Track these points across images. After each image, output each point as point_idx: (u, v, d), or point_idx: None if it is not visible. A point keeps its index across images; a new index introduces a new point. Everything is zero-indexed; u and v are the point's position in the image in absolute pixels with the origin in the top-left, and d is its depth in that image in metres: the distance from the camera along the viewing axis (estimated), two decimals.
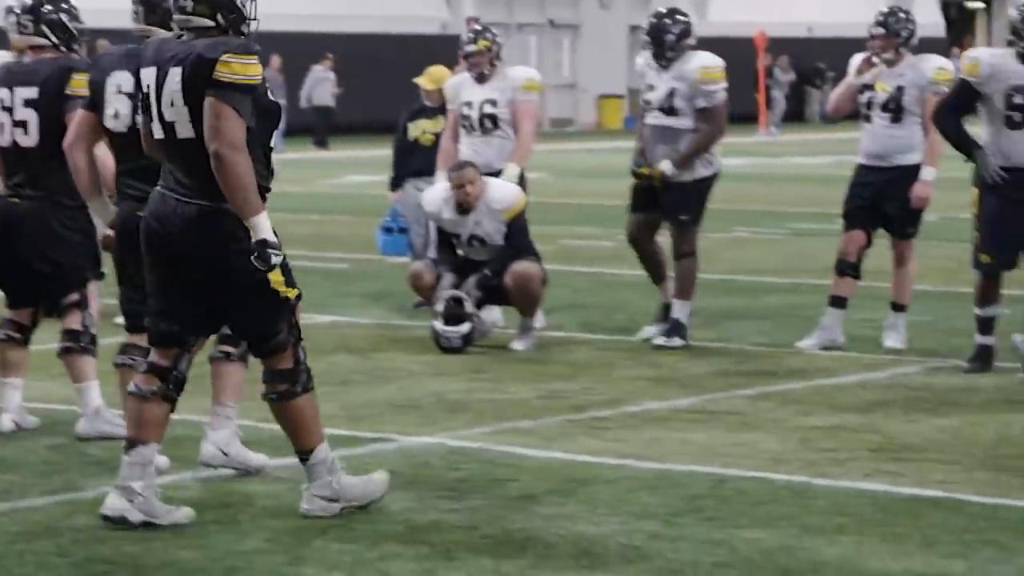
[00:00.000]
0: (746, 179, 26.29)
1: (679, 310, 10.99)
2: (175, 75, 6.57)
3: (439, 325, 10.76)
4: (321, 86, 35.66)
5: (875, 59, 10.80)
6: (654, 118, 11.01)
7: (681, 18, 11.08)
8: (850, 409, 8.98)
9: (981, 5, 52.63)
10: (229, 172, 6.44)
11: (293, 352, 6.76)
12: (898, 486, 7.31)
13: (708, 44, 40.27)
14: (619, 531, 6.59)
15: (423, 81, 12.98)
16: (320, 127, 36.14)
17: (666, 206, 11.00)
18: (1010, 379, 9.81)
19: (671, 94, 10.93)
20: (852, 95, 10.90)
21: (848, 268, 10.86)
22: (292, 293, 6.71)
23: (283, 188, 7.88)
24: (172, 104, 6.60)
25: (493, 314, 11.34)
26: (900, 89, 10.69)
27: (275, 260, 6.52)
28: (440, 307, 10.80)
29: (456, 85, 11.70)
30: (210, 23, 6.61)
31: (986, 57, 10.10)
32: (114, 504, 6.62)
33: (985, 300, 10.18)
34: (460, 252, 11.05)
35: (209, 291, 6.67)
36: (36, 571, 6.10)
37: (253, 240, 6.50)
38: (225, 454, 7.48)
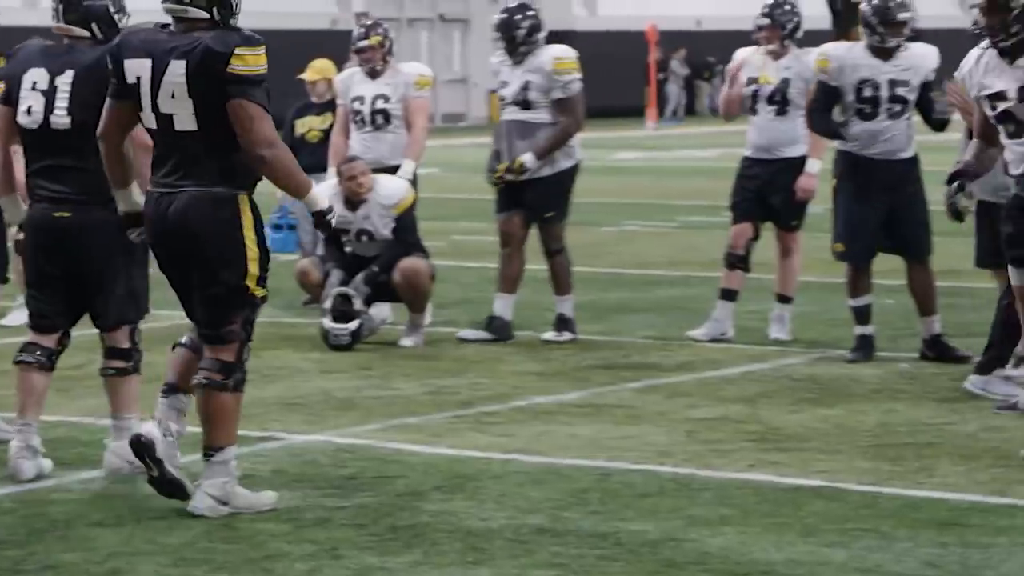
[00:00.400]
0: (636, 173, 26.44)
1: (563, 305, 11.01)
2: (177, 67, 6.60)
3: (327, 322, 10.73)
4: None
5: (760, 50, 10.89)
6: (510, 113, 11.01)
7: (530, 12, 11.08)
8: (735, 401, 9.05)
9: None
10: (278, 168, 6.65)
11: (239, 348, 6.78)
12: (781, 476, 7.38)
13: (599, 38, 40.51)
14: (506, 526, 6.60)
15: (307, 74, 12.96)
16: None
17: (529, 204, 10.97)
18: (891, 369, 9.93)
19: (525, 87, 10.93)
20: (741, 94, 10.98)
21: (737, 260, 10.94)
22: (260, 292, 6.78)
23: None
24: (173, 96, 6.62)
25: (383, 311, 11.33)
26: (786, 81, 10.79)
27: (334, 224, 6.84)
28: (328, 304, 10.77)
29: (346, 80, 11.68)
30: (204, 15, 6.65)
31: (833, 52, 10.32)
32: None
33: (856, 291, 10.32)
34: (348, 249, 11.03)
35: (189, 270, 6.74)
36: None
37: (312, 212, 6.78)
38: (130, 462, 7.42)
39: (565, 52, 11.04)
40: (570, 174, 11.03)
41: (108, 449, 7.51)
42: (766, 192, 10.83)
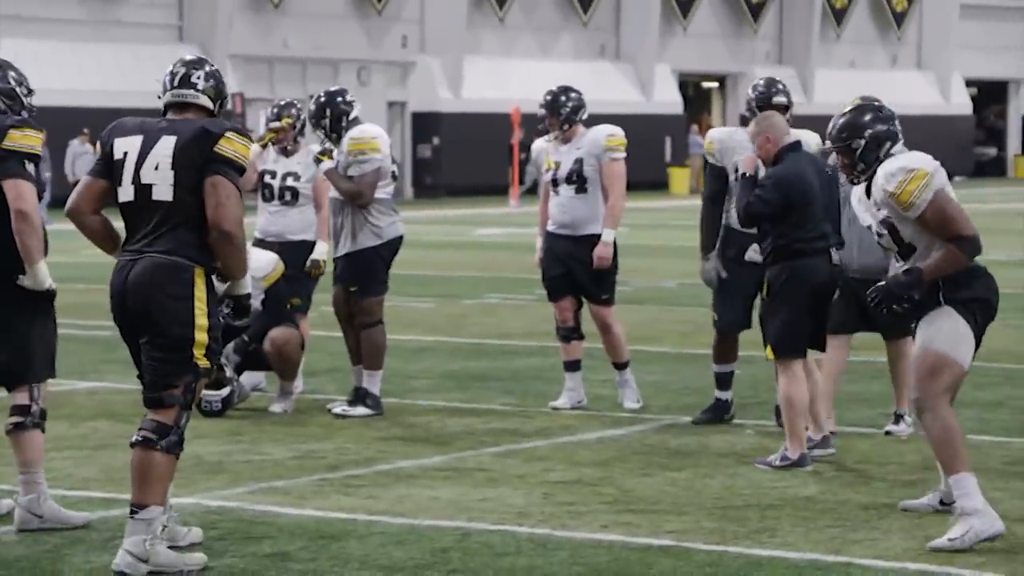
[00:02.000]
0: (498, 248, 26.54)
1: (367, 380, 10.80)
2: (167, 142, 6.86)
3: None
4: (81, 160, 35.13)
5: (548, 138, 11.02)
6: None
7: (344, 99, 10.98)
8: (590, 464, 9.12)
9: (716, 85, 53.88)
10: (236, 247, 6.80)
11: (177, 413, 6.81)
12: (632, 536, 7.44)
13: (463, 119, 40.54)
14: None
15: None
16: None
17: (338, 278, 10.95)
18: (738, 435, 10.05)
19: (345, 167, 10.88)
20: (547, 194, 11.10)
21: (570, 333, 11.04)
22: (203, 363, 6.83)
23: (51, 259, 7.79)
24: (156, 168, 6.84)
25: (255, 378, 11.29)
26: (579, 161, 10.92)
27: (248, 317, 7.07)
28: None
29: (259, 153, 11.65)
30: (209, 105, 7.03)
31: (716, 135, 10.46)
32: None
33: (720, 358, 10.46)
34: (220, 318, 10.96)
35: (140, 333, 6.84)
36: None
37: (235, 294, 6.95)
38: (38, 516, 7.40)
39: (361, 133, 10.86)
40: (377, 251, 10.84)
41: (18, 504, 7.48)
42: (574, 270, 10.92)
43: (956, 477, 7.23)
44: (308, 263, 11.39)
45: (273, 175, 11.54)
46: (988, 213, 37.47)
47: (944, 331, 7.27)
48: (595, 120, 11.27)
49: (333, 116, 10.92)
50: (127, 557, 6.68)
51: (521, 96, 44.18)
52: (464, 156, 45.09)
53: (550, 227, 11.02)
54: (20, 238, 7.44)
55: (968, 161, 57.17)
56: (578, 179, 10.87)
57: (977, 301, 7.33)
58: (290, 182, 11.50)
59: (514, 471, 8.96)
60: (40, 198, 7.53)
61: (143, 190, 6.85)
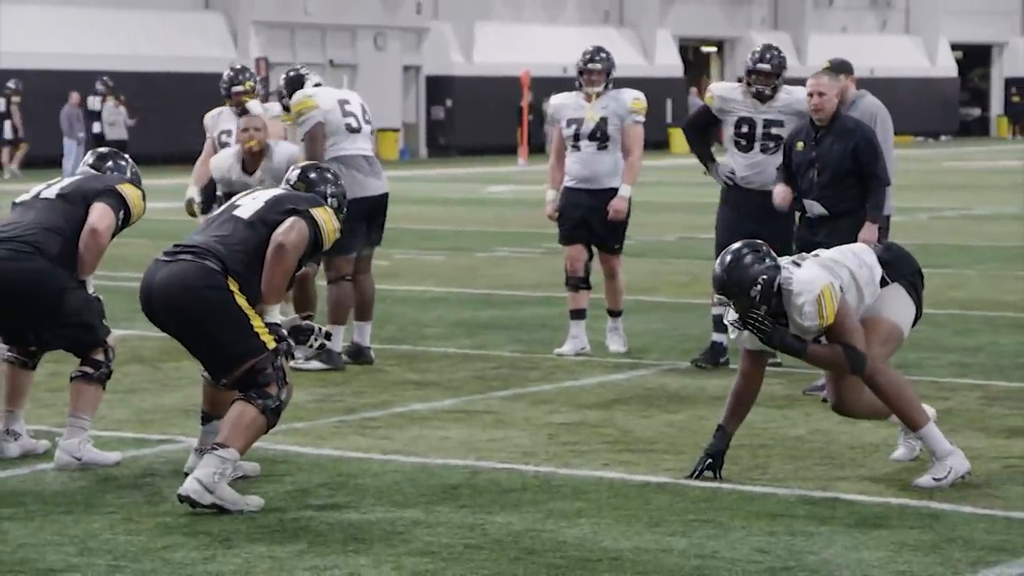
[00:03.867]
0: (506, 204, 26.51)
1: (336, 331, 10.52)
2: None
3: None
4: (115, 121, 35.13)
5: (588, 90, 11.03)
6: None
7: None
8: (592, 407, 9.15)
9: (714, 49, 53.68)
10: (285, 260, 6.95)
11: (275, 385, 6.90)
12: (632, 474, 7.47)
13: (475, 83, 40.42)
14: (383, 519, 6.64)
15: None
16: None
17: None
18: (731, 379, 10.02)
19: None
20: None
21: (579, 282, 11.06)
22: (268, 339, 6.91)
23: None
24: None
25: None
26: (604, 120, 10.93)
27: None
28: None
29: (215, 117, 11.62)
30: None
31: (719, 91, 10.49)
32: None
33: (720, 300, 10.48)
34: None
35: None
36: None
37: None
38: (77, 459, 7.45)
39: (298, 96, 10.64)
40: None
41: (59, 446, 7.56)
42: (590, 219, 10.96)
43: (922, 432, 7.24)
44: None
45: (229, 134, 11.47)
46: (972, 170, 37.42)
47: (896, 304, 7.31)
48: None
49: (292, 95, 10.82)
50: (195, 484, 6.66)
51: (529, 60, 44.09)
52: (475, 117, 45.01)
53: (569, 183, 11.03)
54: (84, 251, 7.63)
55: (953, 121, 57.00)
56: (601, 136, 10.92)
57: (916, 274, 7.43)
58: None
59: (520, 413, 8.98)
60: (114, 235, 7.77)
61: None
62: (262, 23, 41.48)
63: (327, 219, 7.06)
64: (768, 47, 10.48)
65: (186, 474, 7.18)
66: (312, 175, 7.33)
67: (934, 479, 7.16)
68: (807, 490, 7.15)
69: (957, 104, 57.92)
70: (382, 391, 9.68)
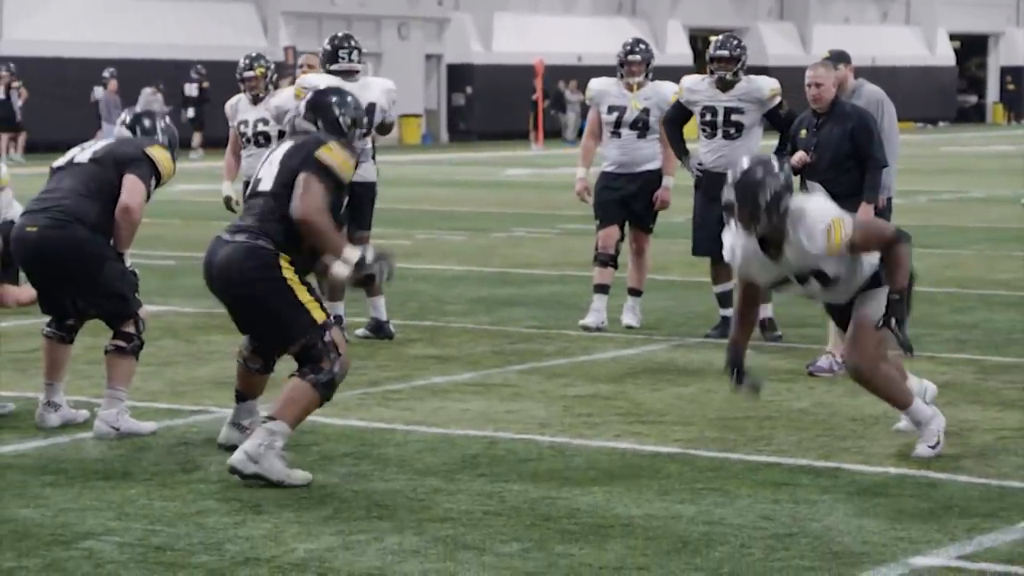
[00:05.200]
0: (523, 187, 26.48)
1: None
2: (284, 145, 6.99)
3: None
4: (150, 107, 35.18)
5: (631, 81, 11.05)
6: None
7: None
8: (605, 380, 9.14)
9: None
10: (315, 231, 6.75)
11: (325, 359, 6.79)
12: (643, 444, 7.47)
13: (493, 71, 40.24)
14: (406, 486, 6.65)
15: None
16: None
17: None
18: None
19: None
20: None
21: (608, 259, 11.08)
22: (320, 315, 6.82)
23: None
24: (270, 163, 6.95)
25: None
26: (646, 111, 10.95)
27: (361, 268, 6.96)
28: None
29: (234, 105, 11.62)
30: (312, 128, 7.03)
31: (687, 83, 10.69)
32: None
33: (717, 279, 10.56)
34: None
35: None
36: None
37: (355, 262, 6.88)
38: (115, 428, 7.46)
39: (299, 82, 10.62)
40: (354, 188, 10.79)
41: (98, 416, 7.57)
42: (628, 200, 10.99)
43: (909, 409, 7.22)
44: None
45: (246, 123, 11.44)
46: (969, 155, 37.27)
47: (881, 304, 7.02)
48: (610, 71, 11.25)
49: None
50: (241, 455, 6.59)
51: (545, 49, 44.01)
52: (494, 104, 44.96)
53: (607, 167, 11.08)
54: (119, 227, 7.59)
55: (951, 108, 56.79)
56: (643, 125, 10.98)
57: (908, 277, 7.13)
58: (261, 127, 11.38)
59: (536, 386, 8.98)
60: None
61: (254, 183, 7.08)
62: (291, 13, 41.44)
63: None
64: (728, 36, 10.72)
65: (220, 446, 7.19)
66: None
67: (929, 447, 7.14)
68: (810, 460, 7.14)
69: (955, 92, 57.70)
70: (404, 364, 9.67)
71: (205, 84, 35.92)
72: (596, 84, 11.22)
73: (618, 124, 11.00)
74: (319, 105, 7.06)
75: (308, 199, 6.72)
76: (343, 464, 7.04)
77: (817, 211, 6.92)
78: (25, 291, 11.79)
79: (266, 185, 6.89)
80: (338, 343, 6.78)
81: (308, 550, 5.74)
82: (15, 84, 34.29)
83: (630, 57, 11.07)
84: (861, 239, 6.90)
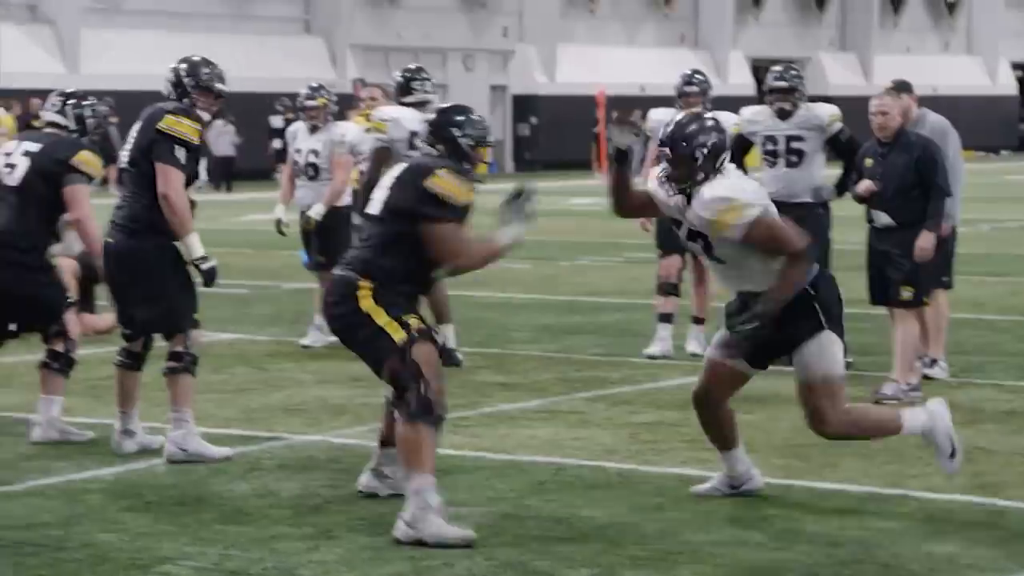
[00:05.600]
0: (587, 215, 26.47)
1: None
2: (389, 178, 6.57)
3: None
4: (222, 138, 35.46)
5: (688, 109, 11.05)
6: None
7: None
8: (670, 407, 9.10)
9: None
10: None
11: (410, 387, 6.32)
12: (709, 471, 7.41)
13: (557, 101, 40.23)
14: (475, 512, 6.64)
15: None
16: (223, 173, 36.02)
17: None
18: None
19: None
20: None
21: (671, 288, 11.05)
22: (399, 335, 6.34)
23: (196, 225, 7.84)
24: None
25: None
26: None
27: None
28: None
29: (293, 132, 11.72)
30: (435, 152, 6.62)
31: (746, 114, 10.71)
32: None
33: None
34: None
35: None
36: None
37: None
38: (184, 450, 7.51)
39: (376, 114, 10.72)
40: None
41: (168, 439, 7.62)
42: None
43: (903, 433, 6.77)
44: (300, 218, 11.44)
45: (299, 152, 11.51)
46: None
47: (833, 357, 6.58)
48: (669, 102, 11.25)
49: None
50: (402, 525, 6.19)
51: (609, 80, 44.02)
52: (558, 134, 45.01)
53: None
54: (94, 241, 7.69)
55: (1013, 137, 56.29)
56: None
57: (839, 303, 6.71)
58: (312, 159, 11.46)
59: (603, 413, 8.96)
60: (190, 182, 7.63)
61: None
62: (359, 46, 41.70)
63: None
64: (786, 66, 10.74)
65: (360, 492, 6.85)
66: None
67: (950, 458, 6.76)
68: (877, 487, 7.08)
69: (1017, 120, 57.23)
70: (472, 392, 9.68)
71: (290, 116, 36.34)
72: (655, 115, 11.22)
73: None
74: (440, 125, 6.58)
75: (446, 249, 6.33)
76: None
77: (732, 187, 6.54)
78: (103, 319, 11.92)
79: (374, 208, 6.52)
80: (422, 361, 6.28)
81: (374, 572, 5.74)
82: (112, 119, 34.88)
83: (687, 88, 11.06)
84: (762, 236, 6.47)
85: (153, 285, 7.55)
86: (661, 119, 11.12)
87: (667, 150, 6.54)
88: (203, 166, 32.08)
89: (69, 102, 8.21)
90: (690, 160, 6.52)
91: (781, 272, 6.53)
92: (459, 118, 6.59)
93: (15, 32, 36.22)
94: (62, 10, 36.95)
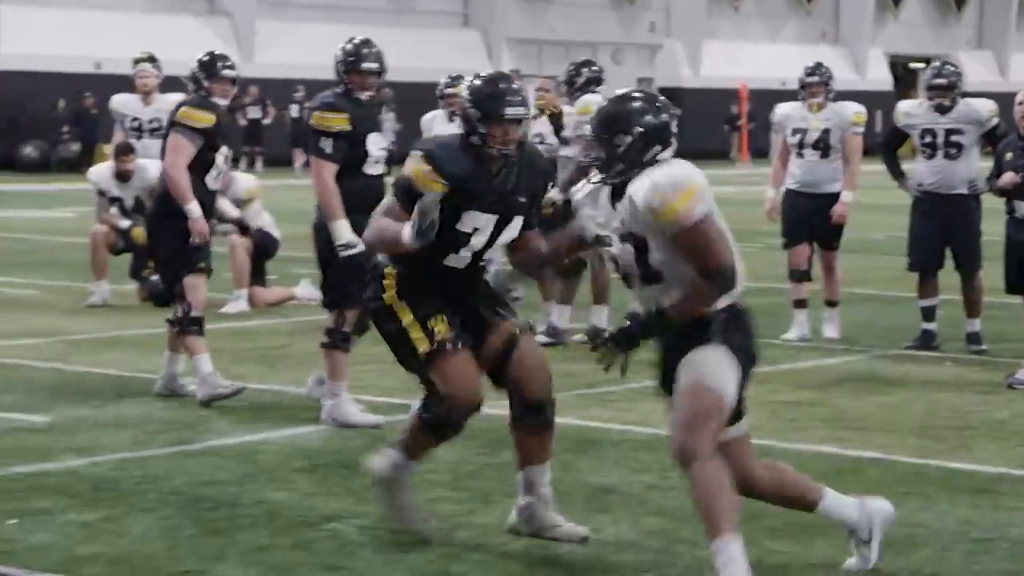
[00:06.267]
0: (728, 203, 26.27)
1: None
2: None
3: None
4: (384, 126, 35.86)
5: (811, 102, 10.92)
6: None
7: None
8: (809, 388, 9.04)
9: (922, 66, 52.47)
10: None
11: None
12: (845, 449, 7.37)
13: (701, 94, 39.97)
14: (622, 482, 6.66)
15: None
16: (387, 159, 36.44)
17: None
18: (939, 366, 9.86)
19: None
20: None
21: (802, 275, 10.99)
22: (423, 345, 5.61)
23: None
24: None
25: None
26: (827, 131, 10.83)
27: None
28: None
29: (429, 120, 11.80)
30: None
31: (904, 108, 10.50)
32: None
33: (923, 294, 10.41)
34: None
35: None
36: (158, 506, 6.21)
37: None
38: (334, 419, 7.65)
39: (582, 101, 10.88)
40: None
41: (323, 408, 7.77)
42: (812, 220, 10.84)
43: (713, 545, 5.01)
44: None
45: None
46: None
47: (714, 365, 5.27)
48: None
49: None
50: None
51: (751, 74, 43.67)
52: (702, 125, 44.76)
53: (792, 185, 10.96)
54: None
55: None
56: (824, 146, 10.83)
57: (745, 347, 5.44)
58: None
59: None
60: (206, 171, 7.87)
61: None
62: (514, 39, 41.83)
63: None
64: (944, 63, 10.52)
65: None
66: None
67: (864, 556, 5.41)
68: (1010, 468, 6.97)
69: None
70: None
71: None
72: (781, 108, 11.14)
73: (801, 145, 10.88)
74: (612, 116, 5.22)
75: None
76: (562, 460, 7.00)
77: (681, 174, 5.12)
78: (274, 292, 12.12)
79: None
80: (447, 378, 5.56)
81: (532, 539, 5.78)
82: (270, 106, 35.51)
83: (809, 79, 10.97)
84: (698, 239, 5.07)
85: (321, 260, 7.71)
86: (785, 112, 11.02)
87: (594, 134, 5.19)
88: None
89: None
90: (610, 146, 5.13)
91: (690, 288, 5.14)
92: (643, 104, 5.32)
93: (194, 23, 36.90)
94: (238, 3, 37.61)
